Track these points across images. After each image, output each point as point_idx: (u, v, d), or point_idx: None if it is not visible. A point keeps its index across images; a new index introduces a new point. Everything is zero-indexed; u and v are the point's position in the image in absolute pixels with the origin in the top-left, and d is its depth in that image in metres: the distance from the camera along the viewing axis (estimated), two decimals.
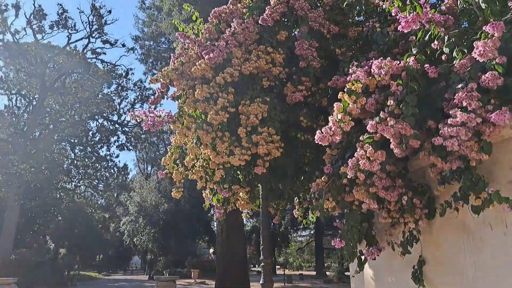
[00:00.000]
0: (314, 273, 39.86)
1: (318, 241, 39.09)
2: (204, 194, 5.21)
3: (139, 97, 26.90)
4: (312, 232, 43.05)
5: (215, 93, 4.15)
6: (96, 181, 29.35)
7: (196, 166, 4.77)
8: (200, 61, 4.20)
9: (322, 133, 2.60)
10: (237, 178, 4.68)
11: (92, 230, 42.51)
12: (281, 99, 4.16)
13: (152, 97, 4.73)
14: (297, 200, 5.99)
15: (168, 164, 4.95)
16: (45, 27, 24.62)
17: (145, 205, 34.28)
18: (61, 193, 28.66)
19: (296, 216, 6.05)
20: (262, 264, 4.56)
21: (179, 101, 4.68)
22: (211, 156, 4.26)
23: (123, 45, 26.04)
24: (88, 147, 28.22)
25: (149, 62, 23.34)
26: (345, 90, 2.76)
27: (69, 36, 25.53)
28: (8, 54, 25.17)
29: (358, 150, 2.62)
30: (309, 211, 5.76)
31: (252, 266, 41.42)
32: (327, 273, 35.58)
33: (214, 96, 4.15)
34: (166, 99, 4.73)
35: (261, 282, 4.45)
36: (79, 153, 28.83)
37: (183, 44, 4.89)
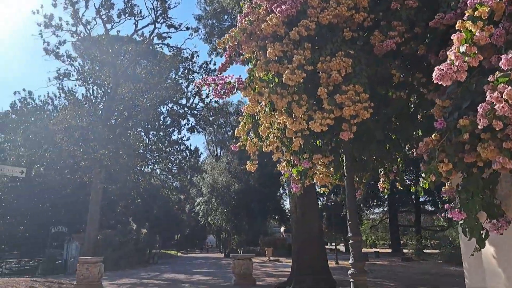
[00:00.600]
0: (389, 250, 38.52)
1: (393, 218, 37.55)
2: (280, 167, 4.80)
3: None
4: (385, 209, 41.50)
5: (289, 50, 3.67)
6: (170, 164, 30.36)
7: (270, 136, 4.36)
8: (270, 16, 3.72)
9: (442, 69, 2.01)
10: (317, 146, 4.19)
11: (169, 211, 44.63)
12: (366, 51, 3.57)
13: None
14: (382, 172, 5.37)
15: (241, 136, 4.58)
16: (113, 16, 25.54)
17: (216, 186, 35.14)
18: (139, 177, 30.11)
19: (381, 189, 5.44)
20: (351, 242, 4.06)
21: (249, 65, 4.28)
22: (287, 123, 3.81)
23: (187, 28, 26.00)
24: (160, 132, 29.21)
25: (213, 41, 23.29)
26: (465, 18, 2.14)
27: (136, 23, 26.23)
28: (83, 47, 26.56)
29: (489, 93, 2.00)
30: (398, 182, 5.16)
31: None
32: (404, 250, 34.16)
33: (288, 54, 3.67)
34: (235, 64, 4.34)
35: (350, 261, 3.97)
36: (153, 138, 29.98)
37: (250, 2, 4.45)
